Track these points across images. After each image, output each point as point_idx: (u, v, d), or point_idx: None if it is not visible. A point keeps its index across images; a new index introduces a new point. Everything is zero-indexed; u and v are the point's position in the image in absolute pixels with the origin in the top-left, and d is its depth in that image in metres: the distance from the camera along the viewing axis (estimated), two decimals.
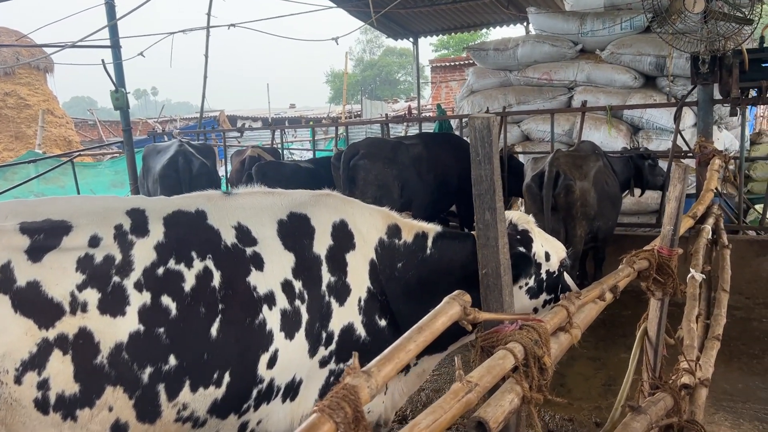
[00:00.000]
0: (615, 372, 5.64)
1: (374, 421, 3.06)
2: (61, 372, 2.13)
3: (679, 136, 7.78)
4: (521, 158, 10.90)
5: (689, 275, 4.49)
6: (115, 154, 16.06)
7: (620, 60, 10.13)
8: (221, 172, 12.72)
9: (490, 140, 2.02)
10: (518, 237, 3.07)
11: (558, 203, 5.96)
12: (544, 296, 3.15)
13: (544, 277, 3.13)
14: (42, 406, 2.13)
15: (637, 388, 3.73)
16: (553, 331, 2.42)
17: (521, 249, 3.01)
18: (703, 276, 4.57)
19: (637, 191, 7.58)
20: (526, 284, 3.08)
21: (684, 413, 3.54)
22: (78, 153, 13.87)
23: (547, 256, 3.15)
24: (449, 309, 1.70)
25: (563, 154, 6.32)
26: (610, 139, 9.76)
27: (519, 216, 3.17)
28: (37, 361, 2.10)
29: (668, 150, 8.02)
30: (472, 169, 2.10)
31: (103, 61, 9.77)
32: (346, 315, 2.70)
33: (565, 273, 3.28)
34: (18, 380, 2.07)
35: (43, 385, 2.11)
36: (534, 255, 3.08)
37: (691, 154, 7.61)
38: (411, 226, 3.05)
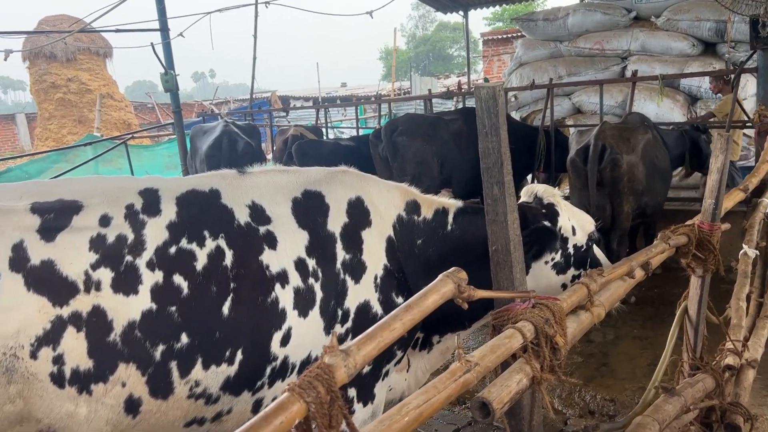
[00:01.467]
0: (661, 352, 5.39)
1: (396, 398, 3.04)
2: (75, 348, 2.18)
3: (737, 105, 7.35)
4: (572, 131, 10.62)
5: (741, 251, 4.26)
6: (171, 136, 16.49)
7: (677, 26, 9.64)
8: (269, 151, 12.89)
9: (496, 111, 1.93)
10: (543, 211, 2.96)
11: (604, 178, 5.73)
12: (572, 271, 3.04)
13: (572, 252, 3.03)
14: (58, 380, 2.18)
15: (677, 368, 3.58)
16: (572, 310, 2.32)
17: (546, 223, 2.90)
18: (757, 252, 4.33)
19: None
20: (552, 259, 2.98)
21: (728, 395, 3.38)
22: (131, 135, 14.28)
23: (574, 230, 3.04)
24: (442, 287, 1.64)
25: (609, 127, 6.06)
26: (665, 111, 9.34)
27: (545, 189, 3.06)
28: (51, 337, 2.15)
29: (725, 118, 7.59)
30: (480, 141, 2.01)
31: (152, 43, 9.97)
32: (362, 293, 2.67)
33: (595, 247, 3.15)
34: (33, 355, 2.13)
35: (58, 360, 2.17)
36: (560, 229, 2.98)
37: (750, 124, 7.19)
38: (431, 202, 2.99)
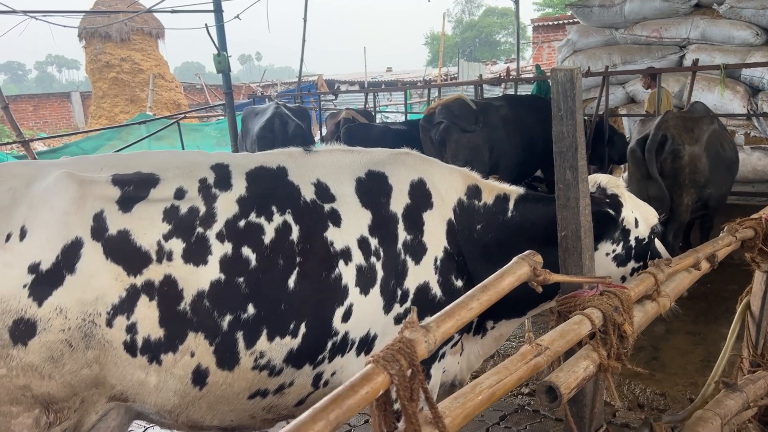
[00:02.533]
0: (714, 348, 5.31)
1: (449, 381, 3.05)
2: (147, 317, 2.25)
3: None
4: (625, 121, 10.38)
5: None
6: (220, 116, 16.76)
7: (740, 15, 9.30)
8: (316, 134, 12.99)
9: (573, 94, 1.91)
10: (607, 200, 2.91)
11: (664, 169, 5.57)
12: (632, 264, 2.99)
13: (633, 244, 2.97)
14: (131, 348, 2.26)
15: (736, 365, 3.50)
16: (638, 299, 2.30)
17: (609, 210, 2.86)
18: None
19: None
20: (614, 251, 2.93)
21: None
22: (183, 115, 14.55)
23: (637, 223, 2.97)
24: (517, 269, 1.64)
25: (673, 116, 5.89)
26: (724, 102, 9.04)
27: (608, 179, 3.00)
28: (126, 306, 2.22)
29: None
30: (554, 124, 1.99)
31: (206, 25, 10.12)
32: (421, 273, 2.67)
33: (656, 240, 3.08)
34: (109, 323, 2.21)
35: (132, 329, 2.24)
36: (623, 220, 2.92)
37: None
38: (492, 188, 2.96)
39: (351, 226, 2.60)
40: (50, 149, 13.93)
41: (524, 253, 1.72)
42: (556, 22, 22.95)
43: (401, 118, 14.23)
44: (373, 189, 2.71)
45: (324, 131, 11.09)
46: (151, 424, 3.35)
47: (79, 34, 21.77)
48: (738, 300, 3.53)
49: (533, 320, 3.95)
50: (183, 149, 11.55)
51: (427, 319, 1.41)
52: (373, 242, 2.62)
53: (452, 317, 1.44)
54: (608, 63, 10.05)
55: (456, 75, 24.70)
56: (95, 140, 13.73)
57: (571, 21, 16.25)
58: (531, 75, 16.84)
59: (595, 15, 10.74)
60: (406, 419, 1.30)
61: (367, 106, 11.16)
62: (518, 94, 10.08)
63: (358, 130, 7.91)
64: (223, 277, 2.34)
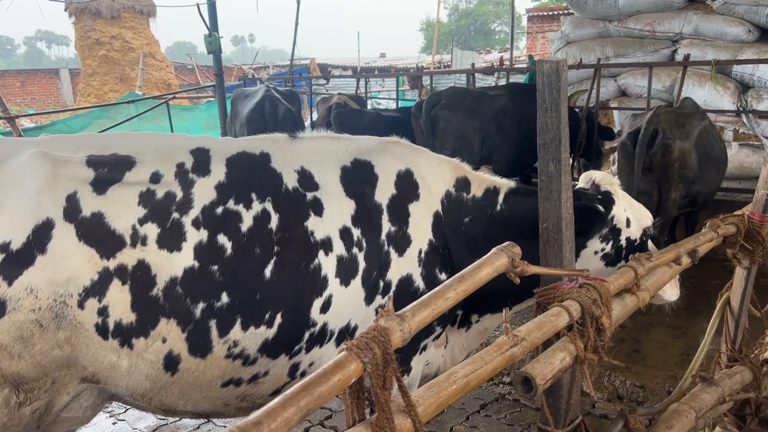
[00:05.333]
0: (694, 342, 5.35)
1: (432, 373, 3.05)
2: (119, 301, 2.23)
3: None
4: (616, 114, 10.39)
5: None
6: (210, 98, 16.62)
7: (733, 11, 9.31)
8: (306, 118, 12.91)
9: (558, 86, 1.90)
10: (599, 197, 2.86)
11: (654, 163, 5.57)
12: (622, 264, 2.96)
13: (623, 244, 2.90)
14: (102, 331, 2.24)
15: (714, 359, 3.54)
16: (618, 292, 2.31)
17: (598, 206, 2.80)
18: None
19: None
20: (602, 250, 2.89)
21: (764, 389, 3.35)
22: (173, 95, 14.42)
23: (628, 222, 2.91)
24: (495, 260, 1.64)
25: (664, 111, 5.90)
26: (714, 98, 9.07)
27: (603, 177, 2.94)
28: (97, 288, 2.20)
29: None
30: (538, 116, 1.98)
31: (197, 5, 10.02)
32: (405, 266, 2.65)
33: (649, 242, 3.04)
34: (81, 305, 2.19)
35: (103, 312, 2.22)
36: (612, 218, 2.85)
37: None
38: (482, 180, 2.91)
39: (333, 216, 2.57)
40: (37, 126, 13.79)
41: (503, 245, 1.72)
42: (550, 13, 22.88)
43: (393, 105, 14.17)
44: (358, 178, 2.68)
45: (314, 116, 11.03)
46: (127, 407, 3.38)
47: (66, 9, 21.43)
48: (719, 295, 3.56)
49: (521, 313, 3.94)
50: (172, 130, 11.47)
51: (404, 309, 1.41)
52: (356, 233, 2.59)
53: (428, 306, 1.44)
54: (601, 55, 10.05)
55: (450, 63, 24.61)
56: (83, 118, 13.58)
57: (565, 12, 16.21)
58: (524, 65, 16.81)
59: (589, 6, 10.72)
60: (378, 407, 1.30)
61: (358, 91, 11.10)
62: (516, 82, 10.01)
63: (349, 116, 7.86)
64: (197, 264, 2.31)
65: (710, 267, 5.87)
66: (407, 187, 2.73)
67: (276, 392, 2.65)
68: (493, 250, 1.69)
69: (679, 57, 9.56)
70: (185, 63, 30.06)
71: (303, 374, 2.63)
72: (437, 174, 2.83)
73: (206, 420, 4.31)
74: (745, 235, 3.18)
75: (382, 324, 1.34)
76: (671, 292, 3.00)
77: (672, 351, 5.24)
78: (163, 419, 4.40)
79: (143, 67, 20.50)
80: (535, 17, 23.90)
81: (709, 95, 9.04)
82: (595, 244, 2.86)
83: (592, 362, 2.02)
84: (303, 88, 13.83)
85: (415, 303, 1.45)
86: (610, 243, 2.89)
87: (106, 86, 22.40)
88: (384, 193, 2.68)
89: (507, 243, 1.71)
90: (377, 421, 1.30)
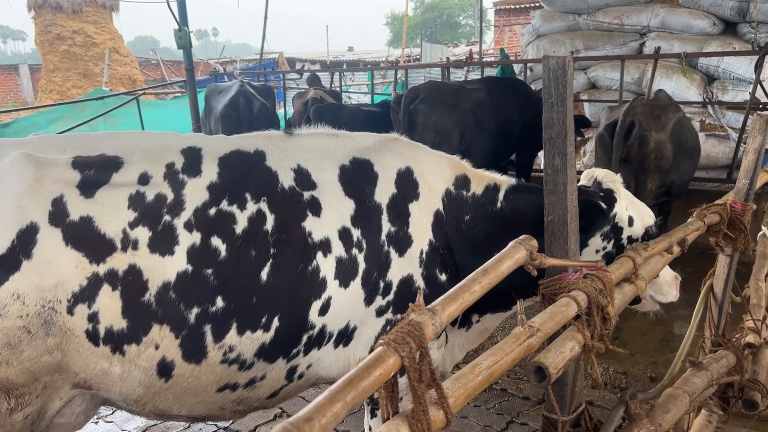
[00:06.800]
0: (673, 328, 5.55)
1: None
2: (109, 307, 2.18)
3: (759, 87, 7.34)
4: (587, 107, 10.58)
5: (760, 233, 4.32)
6: (178, 93, 16.37)
7: (699, 4, 9.56)
8: (280, 113, 12.82)
9: (564, 81, 1.94)
10: (601, 194, 2.84)
11: (631, 155, 5.70)
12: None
13: (625, 243, 2.85)
14: (93, 337, 2.19)
15: (698, 344, 3.65)
16: (617, 282, 2.37)
17: (600, 202, 2.78)
18: None
19: None
20: (604, 248, 2.85)
21: (746, 372, 3.46)
22: (143, 91, 14.16)
23: (631, 221, 2.86)
24: (515, 253, 1.68)
25: (640, 104, 6.03)
26: (681, 89, 9.30)
27: (605, 174, 2.92)
28: (87, 294, 2.15)
29: (746, 102, 7.60)
30: (544, 111, 2.02)
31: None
32: (405, 266, 2.61)
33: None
34: (70, 311, 2.14)
35: (93, 318, 2.17)
36: (614, 216, 2.82)
37: None
38: (482, 178, 2.88)
39: (332, 216, 2.52)
40: (1, 124, 13.40)
41: (520, 238, 1.76)
42: (518, 6, 23.12)
43: (364, 98, 14.16)
44: (357, 177, 2.62)
45: (289, 111, 10.95)
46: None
47: (27, 4, 20.87)
48: (702, 282, 3.67)
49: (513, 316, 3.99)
50: (142, 126, 11.27)
51: (433, 303, 1.44)
52: (356, 233, 2.54)
53: (456, 300, 1.47)
54: (571, 48, 10.21)
55: (419, 56, 24.68)
56: (48, 114, 13.26)
57: (533, 5, 16.40)
58: (493, 59, 16.95)
59: (558, 0, 10.87)
60: (415, 399, 1.32)
61: (333, 85, 11.07)
62: (493, 76, 10.09)
63: (329, 111, 7.83)
64: (190, 268, 2.26)
65: (684, 256, 6.01)
66: (407, 186, 2.68)
67: (273, 395, 2.62)
68: (511, 243, 1.73)
69: (647, 49, 9.77)
70: (149, 58, 29.53)
71: (301, 377, 2.61)
72: (437, 172, 2.79)
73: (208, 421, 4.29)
74: (728, 223, 3.28)
75: (415, 318, 1.36)
76: (671, 294, 3.03)
77: (651, 337, 5.39)
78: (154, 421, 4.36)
79: (109, 62, 20.05)
80: (502, 10, 24.13)
81: (676, 87, 9.26)
82: (596, 242, 2.83)
83: (599, 350, 2.07)
84: (273, 82, 13.73)
85: (443, 297, 1.47)
86: (612, 242, 2.86)
87: (69, 82, 21.88)
88: (384, 192, 2.63)
89: (524, 236, 1.75)
90: (413, 414, 1.32)
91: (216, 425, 4.25)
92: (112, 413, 4.42)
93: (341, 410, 1.15)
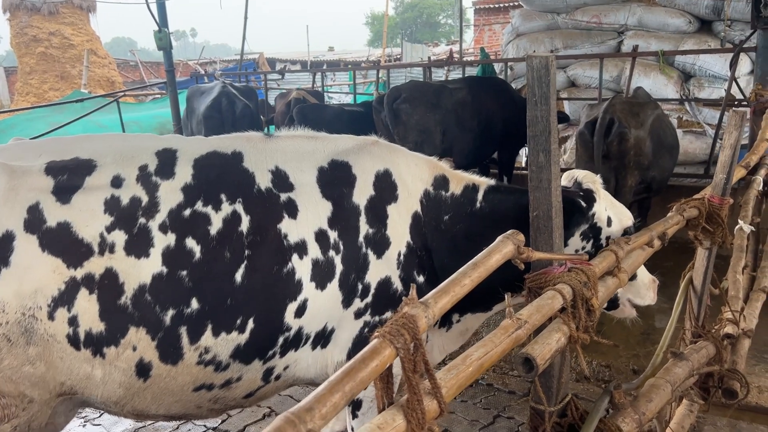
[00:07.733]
0: (653, 321, 5.65)
1: None
2: (87, 310, 2.20)
3: (734, 83, 7.49)
4: (566, 105, 10.71)
5: (737, 227, 4.42)
6: (157, 95, 16.25)
7: (674, 2, 9.73)
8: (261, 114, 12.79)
9: (548, 80, 2.00)
10: (581, 194, 2.88)
11: (611, 151, 5.78)
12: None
13: (604, 243, 2.86)
14: (74, 341, 2.21)
15: (679, 336, 3.74)
16: (600, 275, 2.43)
17: (580, 201, 2.83)
18: (752, 228, 4.49)
19: None
20: (583, 248, 2.88)
21: (725, 362, 3.55)
22: (123, 93, 14.05)
23: (609, 221, 2.89)
24: (503, 247, 1.73)
25: (620, 101, 6.13)
26: (659, 87, 9.46)
27: (585, 175, 2.96)
28: (65, 297, 2.17)
29: (721, 98, 7.75)
30: (528, 109, 2.07)
31: (146, 0, 9.79)
32: (383, 268, 2.62)
33: None
34: (51, 316, 2.16)
35: (73, 322, 2.19)
36: (593, 215, 2.85)
37: (745, 103, 7.34)
38: (460, 178, 2.90)
39: (309, 218, 2.53)
40: None
41: (507, 233, 1.80)
42: (497, 5, 23.27)
43: (346, 98, 14.18)
44: (335, 179, 2.63)
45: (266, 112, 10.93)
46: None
47: (2, 6, 20.56)
48: (681, 275, 3.76)
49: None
50: (123, 129, 11.19)
51: (425, 296, 1.48)
52: (333, 235, 2.55)
53: (447, 293, 1.51)
54: (551, 47, 10.34)
55: (399, 56, 24.75)
56: (27, 115, 13.11)
57: (512, 5, 16.53)
58: (473, 58, 17.06)
59: None
60: (410, 390, 1.36)
61: (315, 86, 11.08)
62: (474, 76, 10.17)
63: (312, 111, 7.85)
64: (165, 270, 2.28)
65: (665, 249, 6.11)
66: (386, 188, 2.70)
67: (249, 395, 2.64)
68: (499, 238, 1.78)
69: (624, 48, 9.92)
70: (128, 59, 29.26)
71: (278, 378, 2.63)
72: (415, 173, 2.81)
73: (185, 420, 4.29)
74: (707, 217, 3.37)
75: (408, 311, 1.40)
76: (648, 296, 3.11)
77: (632, 331, 5.45)
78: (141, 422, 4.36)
79: (87, 64, 19.83)
80: (481, 10, 24.28)
81: (654, 84, 9.41)
82: (576, 242, 2.86)
83: (585, 342, 2.13)
84: (253, 83, 13.70)
85: (435, 290, 1.52)
86: (591, 242, 2.88)
87: (46, 84, 21.58)
88: (362, 194, 2.65)
89: (511, 231, 1.80)
90: (408, 404, 1.36)
91: (205, 425, 4.26)
92: (100, 416, 4.41)
93: (340, 400, 1.19)
